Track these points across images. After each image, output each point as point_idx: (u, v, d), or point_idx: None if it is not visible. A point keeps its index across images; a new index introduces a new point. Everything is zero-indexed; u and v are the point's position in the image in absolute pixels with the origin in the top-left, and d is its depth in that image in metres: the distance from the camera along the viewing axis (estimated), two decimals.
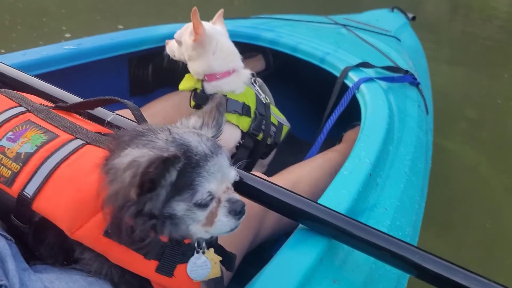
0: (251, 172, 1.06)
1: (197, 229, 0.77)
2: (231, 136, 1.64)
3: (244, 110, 1.63)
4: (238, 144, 1.68)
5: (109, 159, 0.73)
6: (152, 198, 0.69)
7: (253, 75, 1.75)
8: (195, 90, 1.68)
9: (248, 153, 1.71)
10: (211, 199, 0.75)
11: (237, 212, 0.78)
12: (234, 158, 1.68)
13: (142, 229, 0.70)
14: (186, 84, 1.69)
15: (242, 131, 1.66)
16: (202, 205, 0.74)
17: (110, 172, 0.69)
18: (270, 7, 6.42)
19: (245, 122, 1.65)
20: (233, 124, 1.62)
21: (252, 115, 1.65)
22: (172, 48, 1.72)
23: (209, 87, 1.65)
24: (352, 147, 1.41)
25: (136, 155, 0.68)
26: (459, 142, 3.76)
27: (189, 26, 1.61)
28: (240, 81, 1.67)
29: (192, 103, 1.69)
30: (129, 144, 0.73)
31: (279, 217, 1.08)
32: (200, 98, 1.65)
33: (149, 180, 0.65)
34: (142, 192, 0.66)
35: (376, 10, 3.72)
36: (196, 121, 0.84)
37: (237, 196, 0.79)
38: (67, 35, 4.68)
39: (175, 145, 0.73)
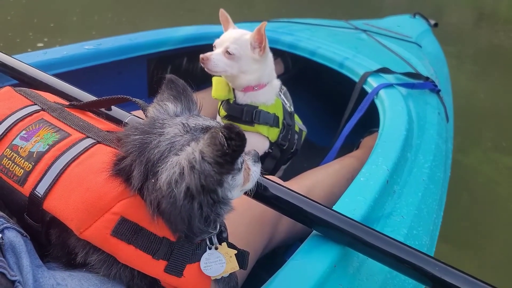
0: (265, 176, 1.05)
1: (236, 193, 0.80)
2: (260, 146, 1.64)
3: (275, 121, 1.62)
4: (264, 154, 1.67)
5: (136, 184, 0.72)
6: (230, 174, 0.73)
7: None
8: (227, 99, 1.64)
9: (275, 163, 1.71)
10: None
11: (257, 157, 0.85)
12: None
13: (213, 217, 0.75)
14: (219, 92, 1.63)
15: (270, 141, 1.65)
16: (240, 168, 0.77)
17: (162, 190, 0.69)
18: (285, 13, 6.31)
19: (274, 133, 1.64)
20: (263, 135, 1.62)
21: (280, 125, 1.65)
22: (218, 63, 1.53)
23: (244, 98, 1.61)
24: (369, 153, 1.40)
25: (187, 154, 0.68)
26: (481, 155, 3.68)
27: (240, 39, 1.55)
28: (273, 93, 1.65)
29: (223, 112, 1.65)
30: (147, 160, 0.72)
31: (294, 222, 1.07)
32: (234, 109, 1.61)
33: (234, 148, 0.65)
34: (232, 162, 0.67)
35: (397, 16, 3.68)
36: (174, 107, 0.83)
37: None
38: (40, 44, 4.53)
39: (198, 131, 0.74)
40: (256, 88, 1.61)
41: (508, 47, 7.14)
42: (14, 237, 0.74)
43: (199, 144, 0.69)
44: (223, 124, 0.79)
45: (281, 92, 1.71)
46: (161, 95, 0.86)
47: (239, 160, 0.74)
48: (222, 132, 0.64)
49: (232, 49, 1.53)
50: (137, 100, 0.99)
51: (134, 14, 6.12)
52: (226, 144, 0.64)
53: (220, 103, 1.68)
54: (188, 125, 0.76)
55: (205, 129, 0.75)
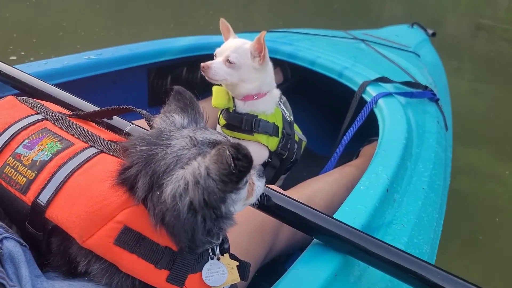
0: (266, 185, 1.05)
1: (239, 207, 0.79)
2: (259, 155, 1.64)
3: (274, 130, 1.62)
4: (264, 163, 1.67)
5: (140, 195, 0.72)
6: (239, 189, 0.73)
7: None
8: (226, 108, 1.65)
9: (274, 172, 1.71)
10: None
11: (262, 172, 0.85)
12: None
13: (216, 230, 0.75)
14: (219, 101, 1.63)
15: (269, 151, 1.65)
16: (246, 182, 0.76)
17: (166, 203, 0.69)
18: (282, 25, 6.22)
19: (274, 142, 1.64)
20: (263, 144, 1.62)
21: (280, 135, 1.65)
22: (218, 72, 1.54)
23: (243, 106, 1.62)
24: (369, 162, 1.40)
25: (193, 169, 0.68)
26: (482, 162, 3.68)
27: (240, 48, 1.56)
28: (272, 102, 1.66)
29: (223, 121, 1.65)
30: (153, 171, 0.72)
31: (294, 231, 1.07)
32: (233, 118, 1.62)
33: (241, 169, 0.65)
34: (239, 180, 0.67)
35: (395, 25, 3.71)
36: (181, 119, 0.83)
37: None
38: (13, 58, 4.39)
39: (205, 145, 0.74)
40: (256, 97, 1.61)
41: (506, 56, 7.17)
42: (13, 247, 0.74)
43: (206, 159, 0.69)
44: (230, 139, 0.79)
45: (280, 101, 1.72)
46: (168, 107, 0.86)
47: (244, 179, 0.74)
48: (229, 151, 0.65)
49: (232, 58, 1.54)
50: (141, 110, 0.99)
51: (122, 29, 6.01)
52: (233, 164, 0.64)
53: (219, 112, 1.68)
54: (195, 138, 0.76)
55: (212, 144, 0.75)
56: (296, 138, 1.75)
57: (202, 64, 1.54)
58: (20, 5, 6.51)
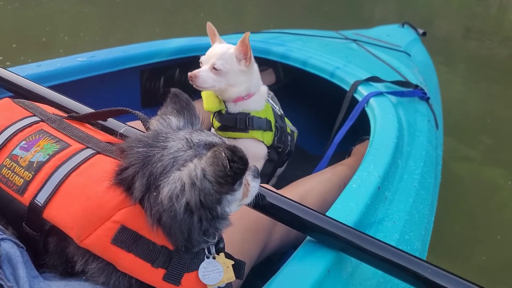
0: (260, 185, 1.06)
1: (234, 208, 0.81)
2: (258, 151, 1.67)
3: (267, 125, 1.65)
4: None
5: (138, 196, 0.73)
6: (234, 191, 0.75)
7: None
8: (219, 111, 1.67)
9: (273, 166, 1.73)
10: None
11: (257, 173, 0.87)
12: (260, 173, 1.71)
13: (212, 231, 0.77)
14: (211, 105, 1.65)
15: (266, 146, 1.67)
16: (241, 183, 0.78)
17: (163, 204, 0.70)
18: (272, 27, 6.14)
19: (269, 137, 1.67)
20: (259, 140, 1.64)
21: (273, 128, 1.67)
22: (206, 80, 1.55)
23: (235, 107, 1.64)
24: (361, 161, 1.41)
25: (189, 171, 0.69)
26: (474, 160, 3.71)
27: (225, 54, 1.57)
28: (262, 99, 1.68)
29: (217, 124, 1.67)
30: (150, 172, 0.73)
31: (288, 229, 1.08)
32: (227, 119, 1.64)
33: (236, 171, 0.66)
34: (235, 181, 0.69)
35: (386, 25, 3.74)
36: (177, 121, 0.85)
37: None
38: None
39: (201, 147, 0.76)
40: (245, 98, 1.63)
41: (496, 57, 7.22)
42: (11, 248, 0.75)
43: (202, 161, 0.70)
44: (225, 141, 0.81)
45: (268, 96, 1.75)
46: (165, 109, 0.87)
47: (240, 181, 0.76)
48: (225, 153, 0.66)
49: (218, 65, 1.55)
50: (137, 112, 1.00)
51: (108, 33, 5.91)
52: (228, 166, 0.66)
53: (212, 114, 1.70)
54: (191, 140, 0.77)
55: (208, 146, 0.76)
56: (288, 130, 1.79)
57: (189, 74, 1.56)
58: (1, 9, 6.41)
